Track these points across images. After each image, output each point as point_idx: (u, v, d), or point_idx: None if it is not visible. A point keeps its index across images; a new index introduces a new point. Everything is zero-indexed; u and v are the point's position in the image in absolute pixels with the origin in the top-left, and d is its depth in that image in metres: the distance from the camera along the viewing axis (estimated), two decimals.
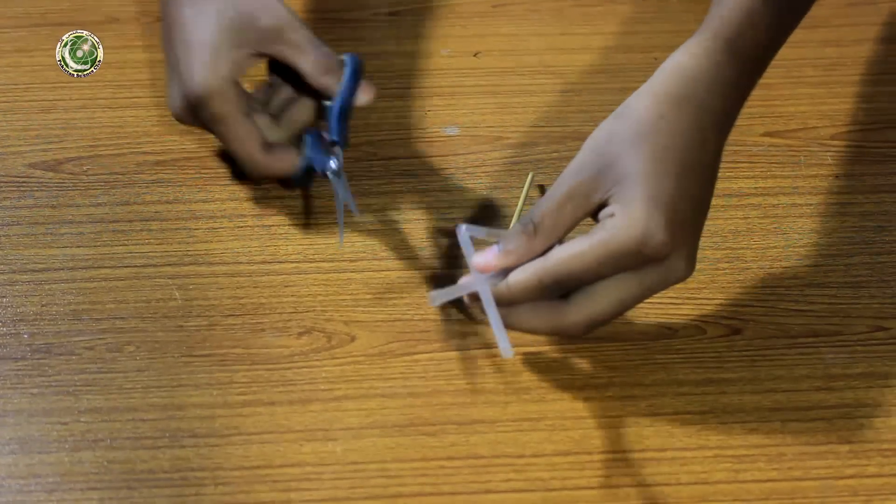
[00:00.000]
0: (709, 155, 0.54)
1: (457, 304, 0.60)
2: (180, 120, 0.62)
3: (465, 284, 0.54)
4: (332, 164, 0.62)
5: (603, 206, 0.52)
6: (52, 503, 0.53)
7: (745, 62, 0.56)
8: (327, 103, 0.62)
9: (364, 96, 0.62)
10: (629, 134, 0.52)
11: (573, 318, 0.53)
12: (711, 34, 0.55)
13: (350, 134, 0.63)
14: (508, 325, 0.54)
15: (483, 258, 0.53)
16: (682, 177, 0.52)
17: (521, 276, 0.52)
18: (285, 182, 0.64)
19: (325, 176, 0.62)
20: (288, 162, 0.62)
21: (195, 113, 0.60)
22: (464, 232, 0.54)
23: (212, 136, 0.63)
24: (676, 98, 0.53)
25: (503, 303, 0.53)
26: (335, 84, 0.61)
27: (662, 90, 0.54)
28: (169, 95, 0.62)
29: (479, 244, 0.55)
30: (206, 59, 0.59)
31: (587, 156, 0.53)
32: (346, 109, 0.62)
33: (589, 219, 0.54)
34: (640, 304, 0.60)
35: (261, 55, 0.61)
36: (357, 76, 0.62)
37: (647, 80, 0.55)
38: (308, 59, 0.60)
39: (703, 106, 0.54)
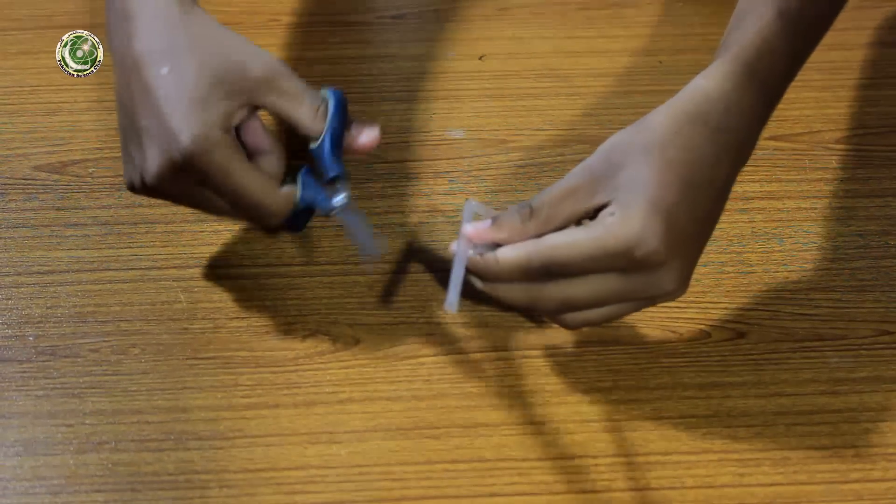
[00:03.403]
0: (720, 176, 0.54)
1: (470, 294, 0.59)
2: (154, 190, 0.56)
3: (458, 264, 0.54)
4: (340, 199, 0.57)
5: (603, 207, 0.52)
6: None
7: (764, 87, 0.56)
8: (312, 145, 0.57)
9: (366, 139, 0.58)
10: (642, 144, 0.53)
11: (550, 293, 0.53)
12: (731, 58, 0.55)
13: (347, 168, 0.59)
14: (490, 293, 0.54)
15: (473, 227, 0.54)
16: (688, 191, 0.52)
17: (511, 253, 0.53)
18: (293, 226, 0.59)
19: (329, 216, 0.58)
20: (291, 198, 0.57)
21: (184, 175, 0.54)
22: (469, 204, 0.55)
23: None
24: (694, 116, 0.53)
25: (490, 276, 0.53)
26: (324, 125, 0.57)
27: (681, 108, 0.54)
28: (137, 168, 0.56)
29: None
30: (194, 112, 0.53)
31: (598, 157, 0.53)
32: (337, 142, 0.57)
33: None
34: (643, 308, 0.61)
35: (251, 107, 0.56)
36: (342, 108, 0.58)
37: (668, 99, 0.55)
38: (302, 107, 0.56)
39: (719, 127, 0.53)
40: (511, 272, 0.53)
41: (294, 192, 0.57)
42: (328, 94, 0.57)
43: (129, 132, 0.56)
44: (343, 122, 0.57)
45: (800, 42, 0.57)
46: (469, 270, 0.54)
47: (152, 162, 0.54)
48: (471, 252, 0.54)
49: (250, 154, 0.57)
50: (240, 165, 0.55)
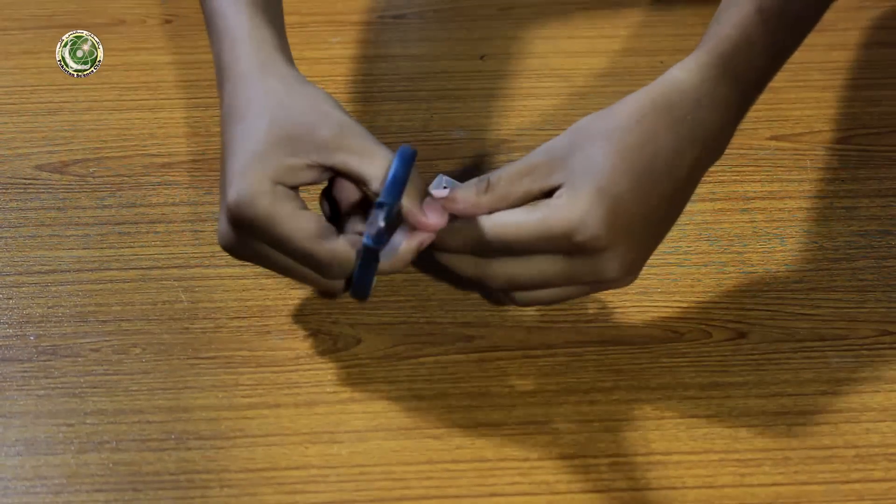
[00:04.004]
0: (680, 167, 0.53)
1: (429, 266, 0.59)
2: (229, 249, 0.55)
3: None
4: (378, 230, 0.51)
5: (559, 188, 0.53)
6: None
7: (740, 81, 0.56)
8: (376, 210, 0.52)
9: (410, 249, 0.53)
10: (603, 129, 0.53)
11: (496, 270, 0.54)
12: (706, 51, 0.55)
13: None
14: (443, 262, 0.54)
15: (431, 191, 0.54)
16: (642, 180, 0.52)
17: (461, 226, 0.53)
18: (358, 286, 0.54)
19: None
20: (350, 248, 0.53)
21: (239, 228, 0.53)
22: (441, 178, 0.56)
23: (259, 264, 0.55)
24: (660, 105, 0.53)
25: (443, 246, 0.54)
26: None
27: (649, 97, 0.54)
28: (218, 230, 0.55)
29: None
30: (250, 167, 0.52)
31: (561, 139, 0.54)
32: (399, 189, 0.52)
33: None
34: (645, 307, 0.61)
35: (321, 168, 0.53)
36: (407, 167, 0.52)
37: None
38: (374, 164, 0.53)
39: (685, 119, 0.53)
40: (460, 245, 0.53)
41: (358, 240, 0.53)
42: (399, 153, 0.53)
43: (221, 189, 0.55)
44: (406, 172, 0.52)
45: (779, 38, 0.57)
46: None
47: (220, 217, 0.54)
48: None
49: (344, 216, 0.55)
50: (290, 212, 0.52)
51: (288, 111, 0.54)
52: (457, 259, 0.54)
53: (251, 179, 0.52)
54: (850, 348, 0.60)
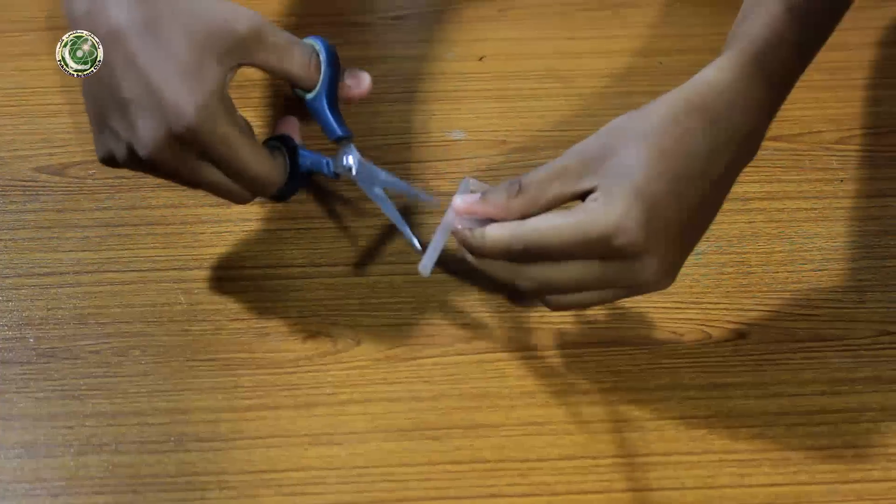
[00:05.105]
0: (715, 169, 0.53)
1: (446, 265, 0.60)
2: (146, 163, 0.54)
3: (441, 232, 0.54)
4: (349, 159, 0.59)
5: (592, 192, 0.52)
6: None
7: (771, 81, 0.55)
8: (308, 96, 0.58)
9: (359, 88, 0.59)
10: (637, 130, 0.52)
11: (530, 274, 0.53)
12: (738, 51, 0.55)
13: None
14: (477, 266, 0.54)
15: (462, 199, 0.54)
16: (678, 182, 0.52)
17: (496, 232, 0.53)
18: (281, 195, 0.59)
19: (336, 177, 0.59)
20: (283, 167, 0.58)
21: (184, 146, 0.54)
22: (466, 181, 0.55)
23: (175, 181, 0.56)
24: (694, 106, 0.53)
25: (476, 251, 0.54)
26: (318, 76, 0.58)
27: (682, 97, 0.53)
28: (122, 141, 0.55)
29: None
30: (190, 82, 0.52)
31: (593, 140, 0.53)
32: (334, 95, 0.58)
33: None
34: (644, 308, 0.61)
35: (240, 66, 0.55)
36: (334, 58, 0.58)
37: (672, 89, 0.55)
38: (294, 59, 0.56)
39: (720, 119, 0.53)
40: (494, 250, 0.53)
41: (284, 161, 0.58)
42: (318, 45, 0.58)
43: (108, 104, 0.54)
44: (336, 71, 0.58)
45: (809, 35, 0.57)
46: (460, 243, 0.54)
47: (148, 134, 0.53)
48: (459, 226, 0.54)
49: None
50: (240, 136, 0.54)
51: (197, 16, 0.54)
52: (489, 264, 0.54)
53: (203, 99, 0.52)
54: (848, 348, 0.60)
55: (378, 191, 0.59)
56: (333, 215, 0.66)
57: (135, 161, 0.55)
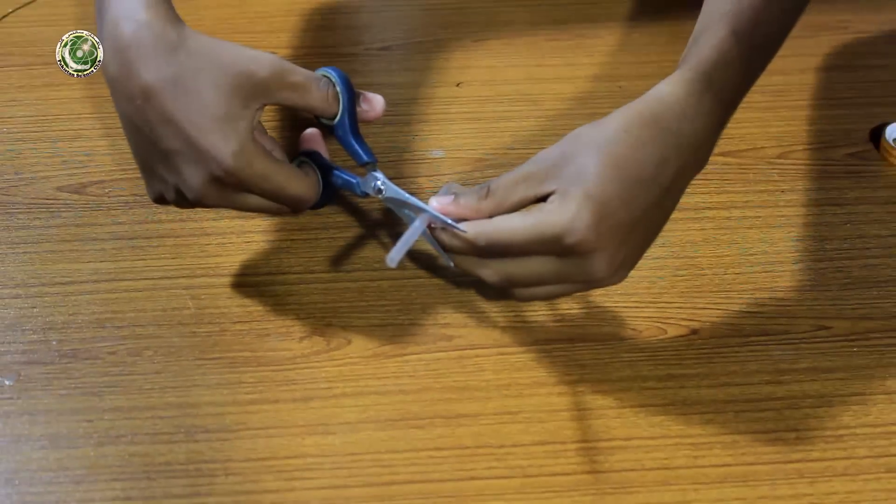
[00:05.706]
0: (666, 175, 0.54)
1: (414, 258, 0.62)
2: (196, 203, 0.57)
3: (411, 231, 0.56)
4: (378, 183, 0.59)
5: (552, 194, 0.54)
6: (79, 493, 0.54)
7: (720, 97, 0.57)
8: (331, 123, 0.59)
9: (375, 112, 0.60)
10: (594, 139, 0.54)
11: (495, 269, 0.55)
12: (689, 68, 0.56)
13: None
14: (454, 261, 0.56)
15: (437, 199, 0.56)
16: (629, 187, 0.53)
17: (465, 229, 0.54)
18: (316, 206, 0.60)
19: (365, 196, 0.60)
20: (315, 183, 0.59)
21: (227, 186, 0.56)
22: (449, 185, 0.57)
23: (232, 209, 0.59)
24: (646, 118, 0.54)
25: (446, 247, 0.56)
26: (338, 106, 0.59)
27: (636, 110, 0.55)
28: (171, 185, 0.57)
29: None
30: (223, 130, 0.54)
31: (555, 148, 0.55)
32: (354, 120, 0.59)
33: None
34: (607, 307, 0.63)
35: (265, 105, 0.57)
36: (349, 86, 0.59)
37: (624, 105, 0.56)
38: (314, 94, 0.57)
39: (670, 129, 0.54)
40: (463, 246, 0.55)
41: (316, 177, 0.59)
42: (333, 75, 0.59)
43: (152, 154, 0.57)
44: (353, 96, 0.59)
45: (753, 57, 0.58)
46: (434, 238, 0.56)
47: (191, 180, 0.56)
48: (435, 224, 0.56)
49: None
50: (274, 167, 0.56)
51: (221, 67, 0.55)
52: (461, 259, 0.56)
53: (237, 144, 0.54)
54: (790, 342, 0.62)
55: (407, 212, 0.59)
56: (327, 227, 0.68)
57: (185, 201, 0.58)
